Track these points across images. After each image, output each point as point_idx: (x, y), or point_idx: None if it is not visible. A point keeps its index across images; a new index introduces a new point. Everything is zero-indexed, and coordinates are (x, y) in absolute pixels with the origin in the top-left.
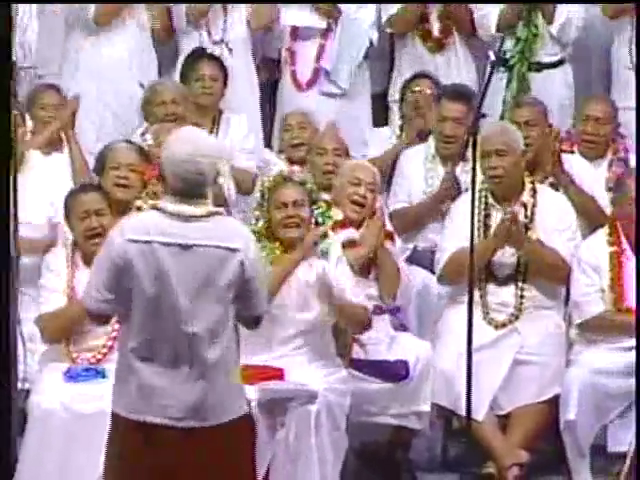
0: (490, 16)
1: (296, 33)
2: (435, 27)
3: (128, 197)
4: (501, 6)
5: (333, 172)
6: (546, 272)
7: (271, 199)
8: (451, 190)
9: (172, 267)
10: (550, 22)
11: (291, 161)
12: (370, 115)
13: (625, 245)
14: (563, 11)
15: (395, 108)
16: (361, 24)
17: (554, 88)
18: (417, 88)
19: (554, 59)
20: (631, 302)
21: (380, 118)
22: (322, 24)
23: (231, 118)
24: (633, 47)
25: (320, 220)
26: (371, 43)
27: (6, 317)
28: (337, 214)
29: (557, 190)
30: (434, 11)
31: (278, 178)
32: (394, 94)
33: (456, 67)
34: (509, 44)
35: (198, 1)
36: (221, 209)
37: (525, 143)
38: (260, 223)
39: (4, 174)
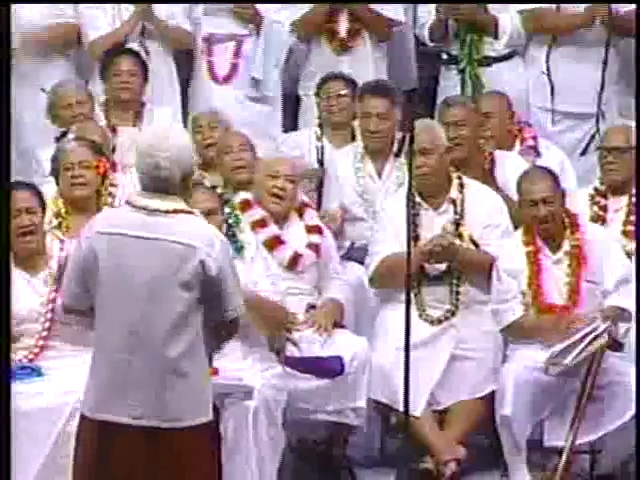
0: (426, 25)
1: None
2: (342, 28)
3: (86, 194)
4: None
5: (243, 167)
6: (477, 273)
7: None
8: None
9: (133, 261)
10: (496, 38)
11: (204, 162)
12: (281, 116)
13: (540, 243)
14: (507, 24)
15: (305, 107)
16: (281, 29)
17: (503, 81)
18: (331, 90)
19: (503, 53)
20: (551, 299)
21: (289, 119)
22: (243, 31)
23: (154, 111)
24: (550, 50)
25: (231, 221)
26: (290, 48)
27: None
28: (257, 214)
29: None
30: (343, 12)
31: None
32: (306, 94)
33: (362, 69)
34: (456, 44)
35: (198, 1)
36: (191, 209)
37: (455, 143)
38: None
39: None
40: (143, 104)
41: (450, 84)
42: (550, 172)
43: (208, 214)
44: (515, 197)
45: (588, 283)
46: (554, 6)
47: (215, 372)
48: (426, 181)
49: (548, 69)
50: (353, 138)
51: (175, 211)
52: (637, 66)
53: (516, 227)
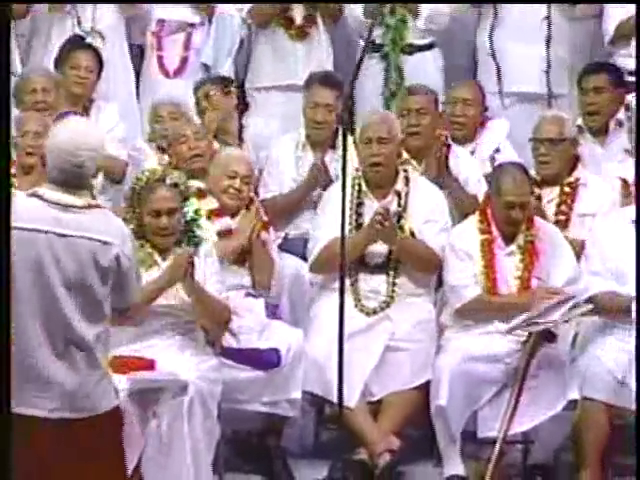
0: (357, 8)
1: (162, 20)
2: (298, 15)
3: None
4: None
5: (198, 155)
6: (417, 264)
7: (143, 202)
8: (319, 179)
9: (48, 256)
10: (416, 16)
11: (163, 151)
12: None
13: (496, 233)
14: (426, 7)
15: (256, 96)
16: (233, 19)
17: (426, 72)
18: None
19: (425, 42)
20: (503, 290)
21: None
22: (194, 18)
23: (102, 106)
24: (493, 33)
25: (190, 216)
26: (242, 39)
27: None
28: (211, 203)
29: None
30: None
31: (151, 180)
32: (254, 84)
33: (317, 55)
34: (380, 31)
35: (201, 1)
36: (100, 203)
37: (415, 131)
38: (131, 225)
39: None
40: (92, 100)
41: (370, 73)
42: (525, 169)
43: (169, 213)
44: (470, 187)
45: (537, 279)
46: None
47: (152, 366)
48: (378, 171)
49: (493, 50)
50: None
51: (89, 206)
52: (637, 66)
53: (466, 215)
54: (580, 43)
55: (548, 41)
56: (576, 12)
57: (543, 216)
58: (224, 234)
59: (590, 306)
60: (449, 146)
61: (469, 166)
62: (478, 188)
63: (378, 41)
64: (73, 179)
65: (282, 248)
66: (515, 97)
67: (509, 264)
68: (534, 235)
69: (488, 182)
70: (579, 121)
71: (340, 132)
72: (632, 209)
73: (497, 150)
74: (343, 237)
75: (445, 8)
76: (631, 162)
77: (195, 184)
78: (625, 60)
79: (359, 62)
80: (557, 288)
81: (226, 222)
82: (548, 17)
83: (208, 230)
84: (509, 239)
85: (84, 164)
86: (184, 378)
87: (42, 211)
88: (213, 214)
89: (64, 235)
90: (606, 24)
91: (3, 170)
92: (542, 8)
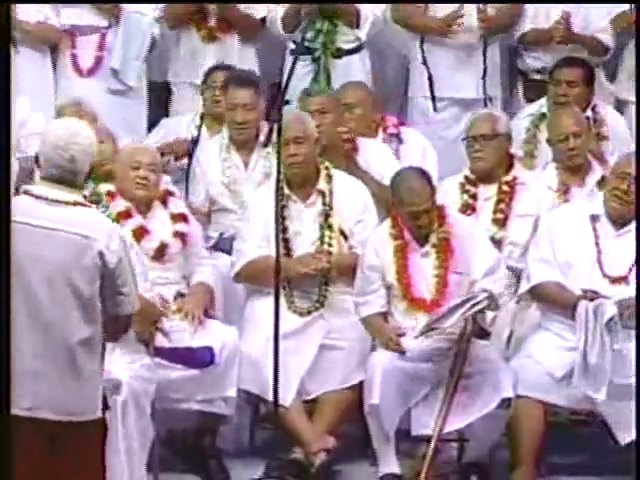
0: (278, 19)
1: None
2: (212, 17)
3: None
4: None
5: (105, 159)
6: (349, 275)
7: None
8: None
9: (36, 250)
10: (357, 26)
11: None
12: (146, 105)
13: (408, 236)
14: (369, 14)
15: (177, 97)
16: (142, 19)
17: (353, 75)
18: (214, 83)
19: (353, 45)
20: (420, 292)
21: (160, 108)
22: (102, 22)
23: (15, 100)
24: (425, 39)
25: None
26: (154, 38)
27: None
28: (120, 205)
29: None
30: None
31: None
32: (175, 83)
33: (229, 59)
34: (310, 35)
35: (198, 0)
36: (87, 202)
37: (318, 131)
38: None
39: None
40: None
41: (298, 75)
42: (424, 173)
43: None
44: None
45: (456, 274)
46: (423, 6)
47: None
48: (298, 170)
49: (424, 57)
50: None
51: (75, 203)
52: (637, 66)
53: (382, 204)
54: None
55: (485, 46)
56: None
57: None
58: (138, 232)
59: (485, 301)
60: (353, 141)
61: (384, 160)
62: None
63: (310, 44)
64: (66, 175)
65: (217, 247)
66: (449, 101)
67: (426, 264)
68: (448, 232)
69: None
70: (544, 109)
71: (268, 130)
72: (590, 204)
73: (400, 141)
74: (277, 237)
75: (378, 17)
76: (552, 167)
77: (105, 187)
78: (534, 62)
79: (292, 65)
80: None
81: (137, 220)
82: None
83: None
84: (423, 240)
85: (75, 159)
86: (117, 377)
87: (30, 205)
88: (122, 216)
89: (50, 228)
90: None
91: (3, 170)
92: (473, 10)
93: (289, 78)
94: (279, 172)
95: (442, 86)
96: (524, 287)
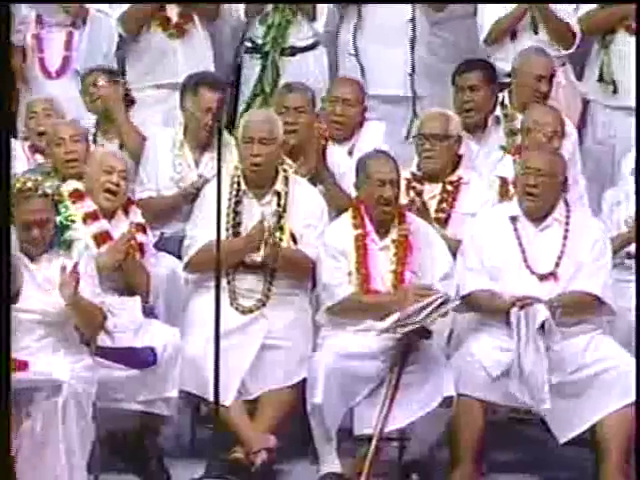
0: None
1: (42, 21)
2: (174, 12)
3: None
4: None
5: (74, 160)
6: (294, 272)
7: (14, 212)
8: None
9: None
10: (314, 19)
11: (36, 149)
12: None
13: (369, 227)
14: (324, 9)
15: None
16: (107, 19)
17: (308, 72)
18: (93, 82)
19: (307, 43)
20: (377, 285)
21: None
22: (67, 22)
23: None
24: (356, 34)
25: (60, 218)
26: (121, 36)
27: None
28: (87, 206)
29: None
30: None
31: (22, 190)
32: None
33: (198, 52)
34: (261, 31)
35: (205, 0)
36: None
37: (292, 129)
38: None
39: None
40: None
41: (252, 72)
42: (391, 156)
43: (39, 225)
44: (345, 185)
45: (412, 273)
46: None
47: (24, 367)
48: (258, 170)
49: (356, 50)
50: None
51: None
52: (637, 66)
53: (340, 212)
54: (454, 42)
55: (413, 43)
56: (440, 14)
57: (427, 211)
58: (100, 237)
59: (454, 304)
60: (326, 143)
61: (345, 165)
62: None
63: (260, 41)
64: None
65: (158, 247)
66: (380, 99)
67: (383, 258)
68: (407, 229)
69: (356, 175)
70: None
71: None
72: (508, 205)
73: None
74: (219, 237)
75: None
76: (508, 159)
77: (73, 185)
78: (501, 64)
79: (240, 61)
80: (426, 287)
81: (102, 225)
82: (413, 19)
83: (80, 232)
84: (383, 234)
85: None
86: (58, 378)
87: None
88: (89, 217)
89: None
90: (481, 21)
91: (3, 169)
92: (407, 9)
93: (238, 76)
94: (219, 170)
95: (372, 82)
96: (455, 295)
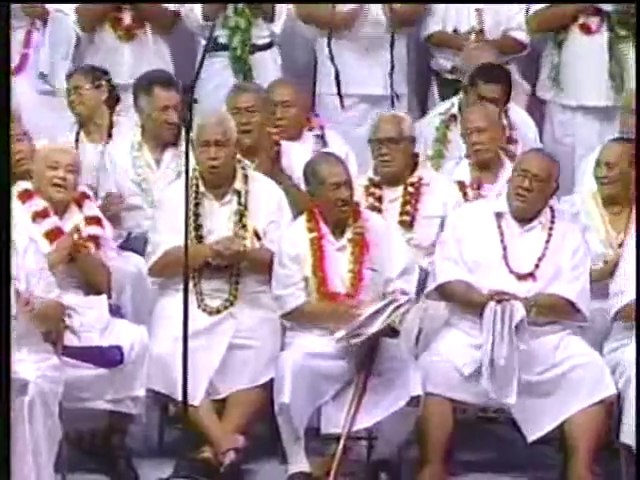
0: (196, 9)
1: None
2: (127, 16)
3: None
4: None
5: (22, 159)
6: (262, 271)
7: None
8: None
9: None
10: (272, 21)
11: None
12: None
13: (325, 230)
14: (283, 9)
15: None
16: (66, 19)
17: (265, 71)
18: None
19: (264, 41)
20: (334, 286)
21: None
22: (26, 23)
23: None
24: (332, 36)
25: None
26: (78, 37)
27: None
28: (36, 205)
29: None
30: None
31: None
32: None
33: (146, 57)
34: (225, 32)
35: (202, 1)
36: None
37: (246, 130)
38: None
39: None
40: None
41: (212, 72)
42: (338, 157)
43: None
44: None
45: (370, 271)
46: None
47: None
48: (215, 173)
49: (331, 53)
50: None
51: None
52: (637, 67)
53: (299, 213)
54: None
55: (392, 44)
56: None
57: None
58: (52, 234)
59: (407, 304)
60: (279, 144)
61: (301, 163)
62: None
63: (221, 40)
64: None
65: (124, 246)
66: (357, 98)
67: (341, 259)
68: (363, 227)
69: (305, 180)
70: (454, 110)
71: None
72: (495, 202)
73: (325, 144)
74: (187, 239)
75: (291, 9)
76: (465, 163)
77: (22, 185)
78: (445, 62)
79: (201, 61)
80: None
81: (54, 222)
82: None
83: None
84: (339, 234)
85: None
86: (24, 377)
87: None
88: (39, 215)
89: None
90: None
91: (3, 171)
92: (383, 8)
93: (197, 75)
94: (187, 172)
95: (349, 82)
96: (431, 286)
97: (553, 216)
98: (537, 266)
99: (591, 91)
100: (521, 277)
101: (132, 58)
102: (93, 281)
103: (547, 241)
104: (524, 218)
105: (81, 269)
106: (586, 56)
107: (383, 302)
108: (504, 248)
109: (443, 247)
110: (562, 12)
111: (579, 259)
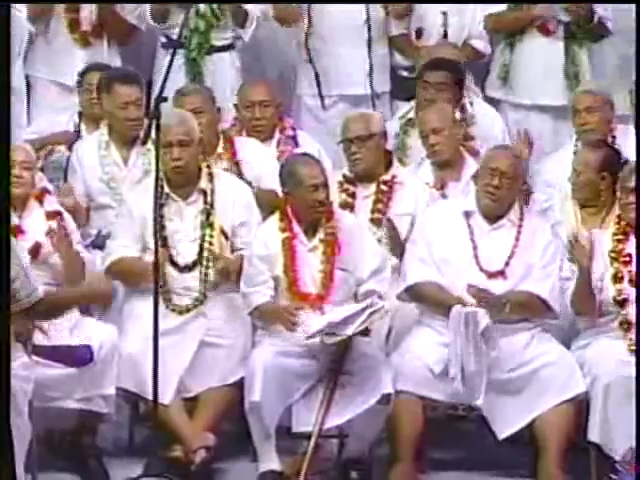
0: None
1: None
2: (87, 21)
3: None
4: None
5: None
6: (233, 280)
7: None
8: None
9: None
10: (243, 26)
11: None
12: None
13: (297, 230)
14: (254, 14)
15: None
16: (20, 16)
17: (224, 72)
18: (90, 85)
19: (224, 43)
20: (306, 287)
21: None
22: None
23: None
24: (309, 37)
25: None
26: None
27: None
28: None
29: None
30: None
31: None
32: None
33: (101, 58)
34: (185, 33)
35: (198, 1)
36: None
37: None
38: None
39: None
40: None
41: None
42: (316, 159)
43: None
44: (265, 182)
45: (342, 271)
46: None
47: None
48: (179, 173)
49: (309, 55)
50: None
51: None
52: (637, 67)
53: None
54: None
55: (369, 43)
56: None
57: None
58: (13, 233)
59: (384, 307)
60: (232, 143)
61: (262, 161)
62: (273, 183)
63: (176, 38)
64: None
65: (94, 245)
66: (337, 98)
67: (313, 259)
68: (335, 227)
69: (282, 180)
70: (411, 114)
71: (147, 127)
72: (464, 200)
73: (296, 144)
74: (156, 238)
75: (257, 11)
76: (427, 164)
77: None
78: (402, 60)
79: (171, 60)
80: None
81: (12, 221)
82: (368, 19)
83: None
84: (311, 234)
85: None
86: None
87: None
88: None
89: None
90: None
91: (3, 171)
92: (361, 9)
93: (167, 73)
94: (157, 171)
95: (330, 83)
96: (401, 287)
97: (522, 213)
98: (507, 264)
99: (547, 90)
100: (491, 275)
101: (83, 62)
102: (70, 273)
103: (517, 238)
104: (493, 216)
105: (66, 264)
106: (543, 56)
107: (361, 305)
108: (474, 247)
109: (412, 247)
110: (523, 16)
111: (549, 256)
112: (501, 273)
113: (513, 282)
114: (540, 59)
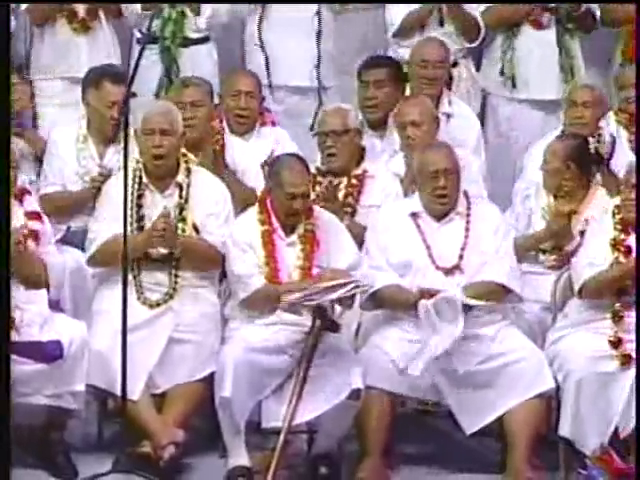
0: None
1: None
2: (81, 8)
3: None
4: None
5: None
6: (199, 263)
7: None
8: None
9: None
10: (198, 14)
11: None
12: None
13: (276, 224)
14: (208, 6)
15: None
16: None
17: (201, 64)
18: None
19: (200, 35)
20: (285, 280)
21: None
22: None
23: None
24: (261, 26)
25: None
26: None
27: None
28: None
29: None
30: None
31: None
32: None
33: (102, 48)
34: (157, 23)
35: (198, 1)
36: None
37: (191, 124)
38: None
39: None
40: None
41: (146, 63)
42: (303, 160)
43: None
44: (247, 179)
45: (319, 269)
46: None
47: None
48: (160, 162)
49: (261, 42)
50: None
51: None
52: (637, 67)
53: (244, 207)
54: (361, 33)
55: (319, 36)
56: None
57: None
58: None
59: (367, 287)
60: (223, 139)
61: (246, 159)
62: (256, 180)
63: (157, 33)
64: None
65: (64, 241)
66: (286, 89)
67: (291, 254)
68: (314, 224)
69: (267, 175)
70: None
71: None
72: (409, 201)
73: (277, 141)
74: (125, 231)
75: (224, 10)
76: (400, 156)
77: None
78: (405, 50)
79: (139, 54)
80: (341, 270)
81: None
82: (319, 13)
83: None
84: (289, 229)
85: None
86: None
87: None
88: None
89: None
90: (390, 15)
91: (3, 170)
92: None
93: (135, 69)
94: (126, 167)
95: (278, 73)
96: (363, 296)
97: (469, 202)
98: (461, 257)
99: (542, 85)
100: (448, 272)
101: (87, 52)
102: (26, 274)
103: (466, 229)
104: (441, 214)
105: (14, 263)
106: (537, 50)
107: (346, 279)
108: (427, 247)
109: (368, 255)
110: (517, 10)
111: (501, 238)
112: (457, 268)
113: (470, 274)
114: (535, 53)
